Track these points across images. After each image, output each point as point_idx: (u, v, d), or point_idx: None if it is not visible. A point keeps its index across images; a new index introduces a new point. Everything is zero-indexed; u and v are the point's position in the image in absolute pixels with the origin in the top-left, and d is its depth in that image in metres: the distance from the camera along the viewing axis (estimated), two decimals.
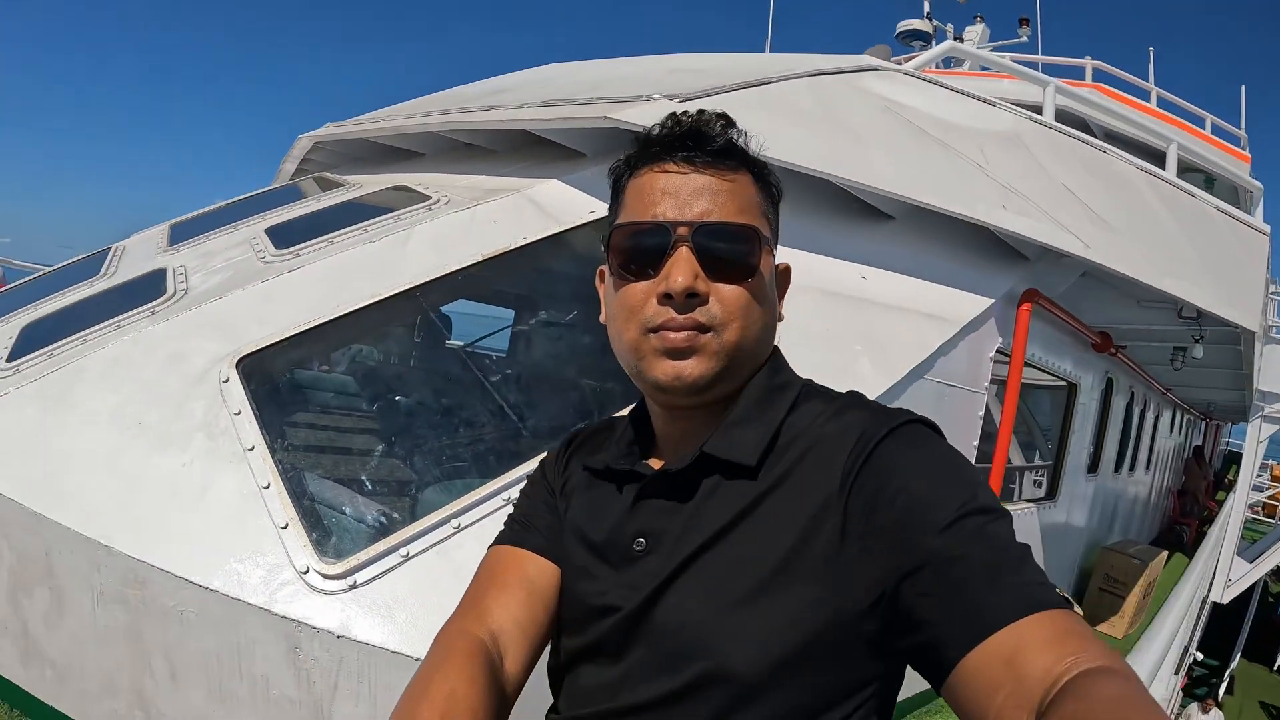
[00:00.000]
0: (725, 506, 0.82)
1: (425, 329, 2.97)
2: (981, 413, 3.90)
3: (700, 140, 0.86)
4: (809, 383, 0.94)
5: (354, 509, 2.36)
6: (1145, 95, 8.85)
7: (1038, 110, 5.11)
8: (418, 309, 2.92)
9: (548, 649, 0.96)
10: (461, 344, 4.17)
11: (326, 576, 2.06)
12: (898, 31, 11.50)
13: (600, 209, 3.41)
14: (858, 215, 3.82)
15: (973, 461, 3.95)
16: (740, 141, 0.90)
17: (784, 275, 0.96)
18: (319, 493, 2.37)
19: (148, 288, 3.40)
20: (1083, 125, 7.37)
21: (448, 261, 3.06)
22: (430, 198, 3.60)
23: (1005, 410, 4.04)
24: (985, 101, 4.56)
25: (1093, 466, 6.54)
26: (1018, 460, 5.97)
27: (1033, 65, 9.60)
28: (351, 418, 2.69)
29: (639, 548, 0.86)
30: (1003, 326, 3.97)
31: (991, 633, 0.65)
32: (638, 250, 0.86)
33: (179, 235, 4.30)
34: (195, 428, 2.45)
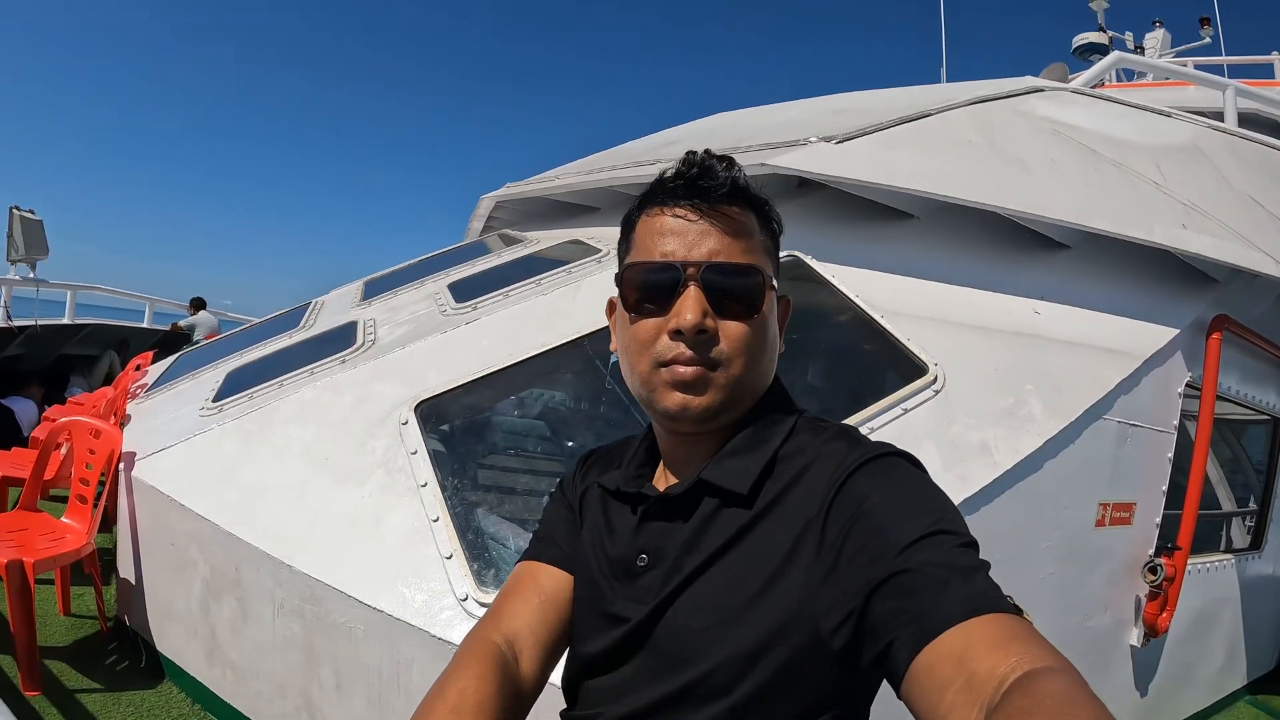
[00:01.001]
0: (720, 529, 0.89)
1: (590, 375, 3.12)
2: (1171, 454, 3.58)
3: (705, 186, 0.92)
4: (805, 413, 0.99)
5: (514, 543, 2.51)
6: None
7: (1220, 116, 4.73)
8: (584, 356, 3.07)
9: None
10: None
11: (482, 604, 2.19)
12: (1074, 47, 11.10)
13: None
14: (1029, 246, 3.65)
15: (1163, 508, 3.66)
16: (743, 181, 0.95)
17: (785, 307, 1.02)
18: (483, 527, 2.54)
19: (340, 338, 3.75)
20: (1276, 128, 6.72)
21: None
22: (601, 250, 3.77)
23: (1196, 451, 3.68)
24: (1159, 113, 4.27)
25: None
26: (1229, 506, 5.41)
27: (1217, 68, 8.88)
28: (519, 459, 2.86)
29: (641, 564, 0.94)
30: (1191, 358, 3.64)
31: (940, 633, 0.67)
32: (649, 287, 0.92)
33: (372, 291, 4.76)
34: (375, 464, 2.67)
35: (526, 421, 3.08)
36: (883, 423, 2.68)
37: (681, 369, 0.90)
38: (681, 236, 0.92)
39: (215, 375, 3.97)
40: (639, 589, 0.93)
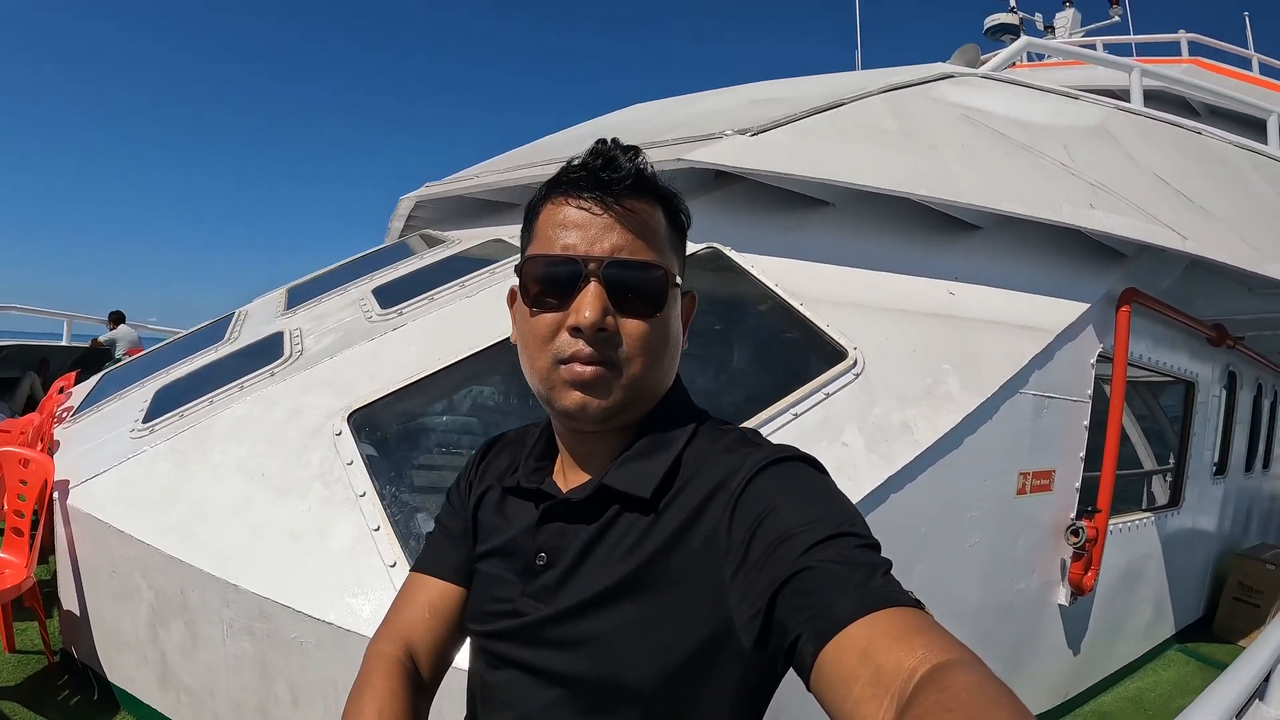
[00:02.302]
0: (622, 534, 0.88)
1: (519, 375, 3.14)
2: (1086, 421, 3.75)
3: (608, 178, 0.89)
4: (705, 415, 0.98)
5: None
6: (1246, 64, 8.33)
7: (1147, 94, 4.92)
8: (513, 357, 3.08)
9: (464, 655, 1.06)
10: None
11: None
12: (986, 28, 11.26)
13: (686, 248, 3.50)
14: (942, 229, 3.77)
15: (1082, 472, 3.83)
16: (649, 173, 0.92)
17: (689, 303, 1.00)
18: (424, 533, 2.53)
19: (267, 350, 3.71)
20: (1183, 103, 7.02)
21: None
22: None
23: (1111, 417, 3.87)
24: (1068, 96, 4.43)
25: (1220, 468, 6.14)
26: (1150, 466, 5.69)
27: (1125, 46, 9.22)
28: (454, 463, 2.87)
29: (540, 562, 0.92)
30: (1102, 330, 3.82)
31: (843, 627, 0.67)
32: (549, 281, 0.89)
33: (295, 298, 4.68)
34: (313, 477, 2.67)
35: (460, 423, 3.09)
36: (806, 407, 2.76)
37: (580, 368, 0.87)
38: (583, 230, 0.89)
39: (143, 394, 3.89)
40: (538, 587, 0.92)
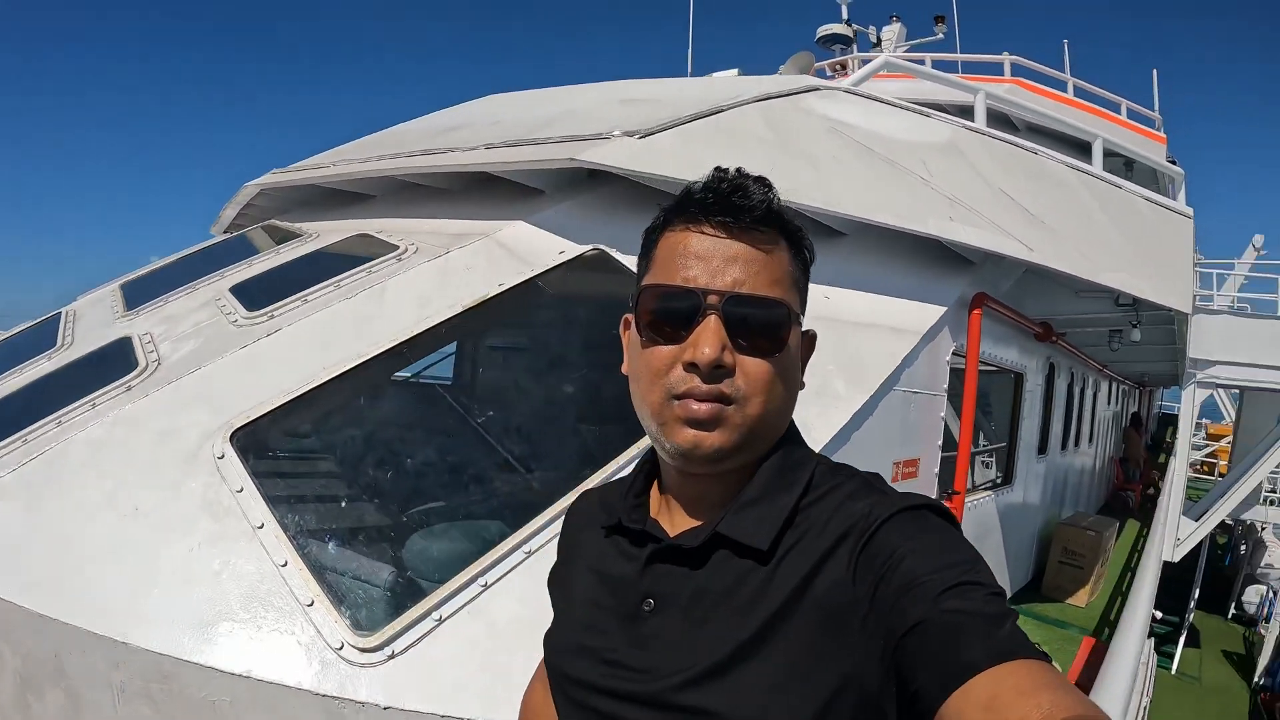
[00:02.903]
0: (736, 585, 0.85)
1: (414, 383, 3.00)
2: (943, 413, 4.09)
3: (739, 204, 0.86)
4: (822, 460, 0.95)
5: (378, 577, 2.37)
6: (1062, 86, 9.26)
7: (965, 109, 5.35)
8: (408, 364, 2.96)
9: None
10: (407, 375, 4.13)
11: (364, 650, 2.06)
12: (818, 36, 11.67)
13: (569, 249, 3.47)
14: (812, 235, 3.95)
15: (939, 456, 4.16)
16: (777, 205, 0.90)
17: (810, 342, 0.98)
18: (340, 564, 2.37)
19: (116, 360, 3.31)
20: (1006, 120, 7.70)
21: (429, 314, 3.10)
22: (398, 247, 3.61)
23: (965, 410, 4.24)
24: (920, 113, 4.76)
25: (1042, 448, 6.88)
26: (975, 450, 6.26)
27: (951, 64, 9.98)
28: (359, 484, 2.68)
29: (648, 608, 0.89)
30: (955, 330, 4.16)
31: (968, 678, 0.67)
32: (666, 313, 0.86)
33: (135, 298, 4.16)
34: (197, 509, 2.40)
35: (361, 438, 2.91)
36: None
37: (695, 405, 0.84)
38: (706, 261, 0.86)
39: None
40: (642, 636, 0.88)
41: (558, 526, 2.32)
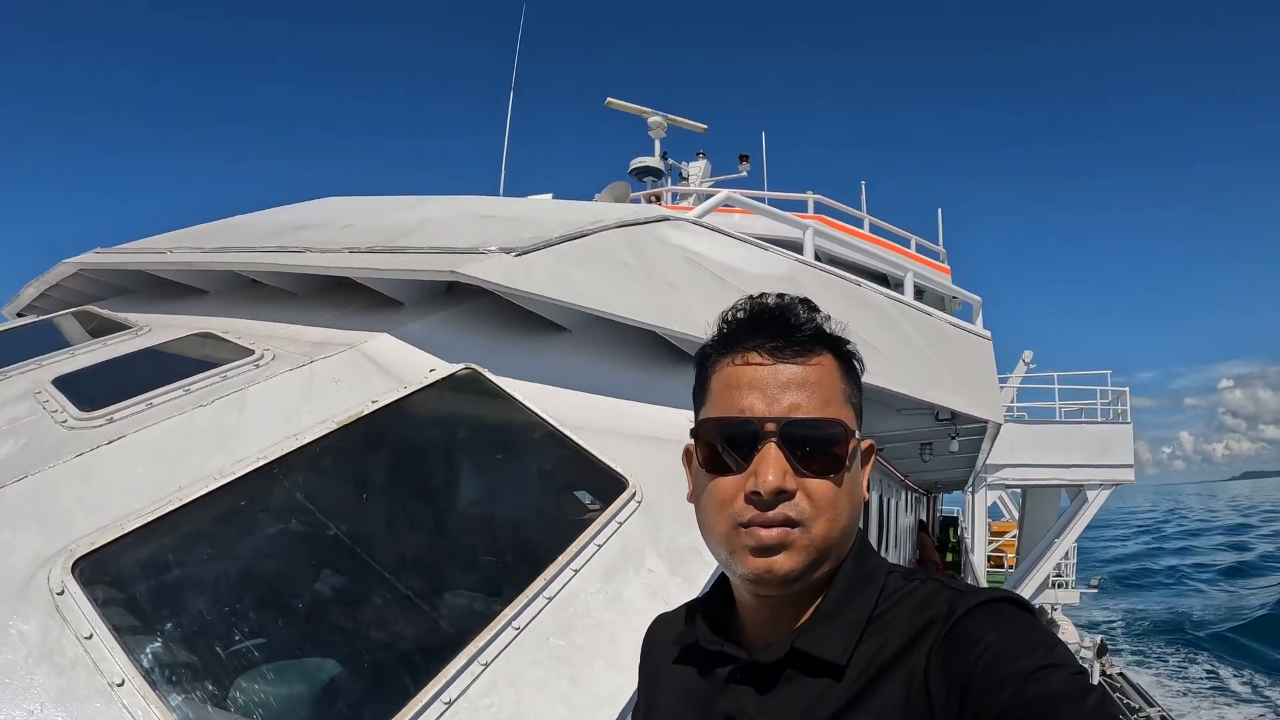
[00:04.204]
0: (816, 699, 0.87)
1: (291, 508, 2.72)
2: None
3: (786, 329, 0.91)
4: (895, 568, 0.98)
5: None
6: (859, 223, 10.41)
7: (774, 242, 5.88)
8: (280, 487, 2.70)
9: None
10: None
11: None
12: (631, 168, 12.31)
13: (440, 367, 3.39)
14: (668, 358, 4.06)
15: None
16: (825, 326, 0.95)
17: (868, 453, 1.00)
18: None
19: None
20: (816, 256, 8.52)
21: (298, 429, 2.88)
22: (253, 351, 3.37)
23: None
24: (761, 246, 5.19)
25: None
26: None
27: (759, 198, 10.96)
28: (238, 628, 2.33)
29: None
30: None
31: None
32: (726, 444, 0.90)
33: None
34: (33, 660, 1.94)
35: (235, 573, 2.58)
36: (605, 538, 2.80)
37: (763, 532, 0.86)
38: (761, 390, 0.89)
39: None
40: None
41: (473, 671, 2.18)
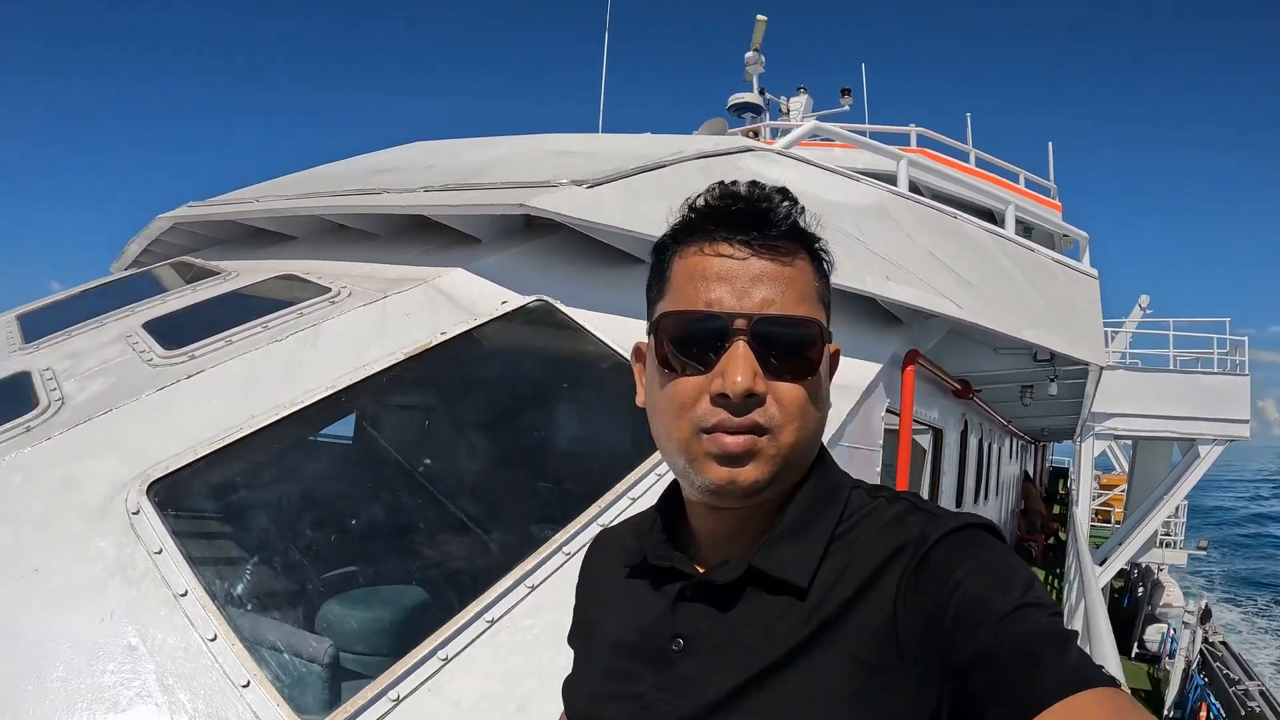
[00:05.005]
0: (774, 619, 0.80)
1: (359, 436, 2.78)
2: (879, 468, 4.14)
3: (761, 219, 0.81)
4: (858, 484, 0.91)
5: (324, 654, 2.12)
6: (964, 156, 9.82)
7: (876, 177, 5.57)
8: (345, 414, 2.75)
9: None
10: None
11: None
12: (730, 104, 12.01)
13: (511, 299, 3.36)
14: None
15: None
16: (801, 220, 0.85)
17: (835, 359, 0.91)
18: (279, 639, 2.11)
19: (12, 397, 2.97)
20: (916, 190, 8.12)
21: (367, 361, 2.92)
22: (330, 289, 3.42)
23: (900, 464, 4.31)
24: (850, 177, 4.92)
25: (958, 501, 7.10)
26: None
27: (861, 133, 10.49)
28: (299, 547, 2.43)
29: (677, 648, 0.84)
30: (889, 387, 4.25)
31: (1042, 709, 0.64)
32: (690, 341, 0.81)
33: (33, 330, 3.83)
34: (108, 573, 2.10)
35: (299, 495, 2.66)
36: (666, 469, 2.75)
37: (727, 438, 0.78)
38: (730, 282, 0.80)
39: None
40: (675, 678, 0.83)
41: (518, 594, 2.19)
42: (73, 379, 3.11)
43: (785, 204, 0.84)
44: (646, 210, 3.65)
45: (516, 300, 3.37)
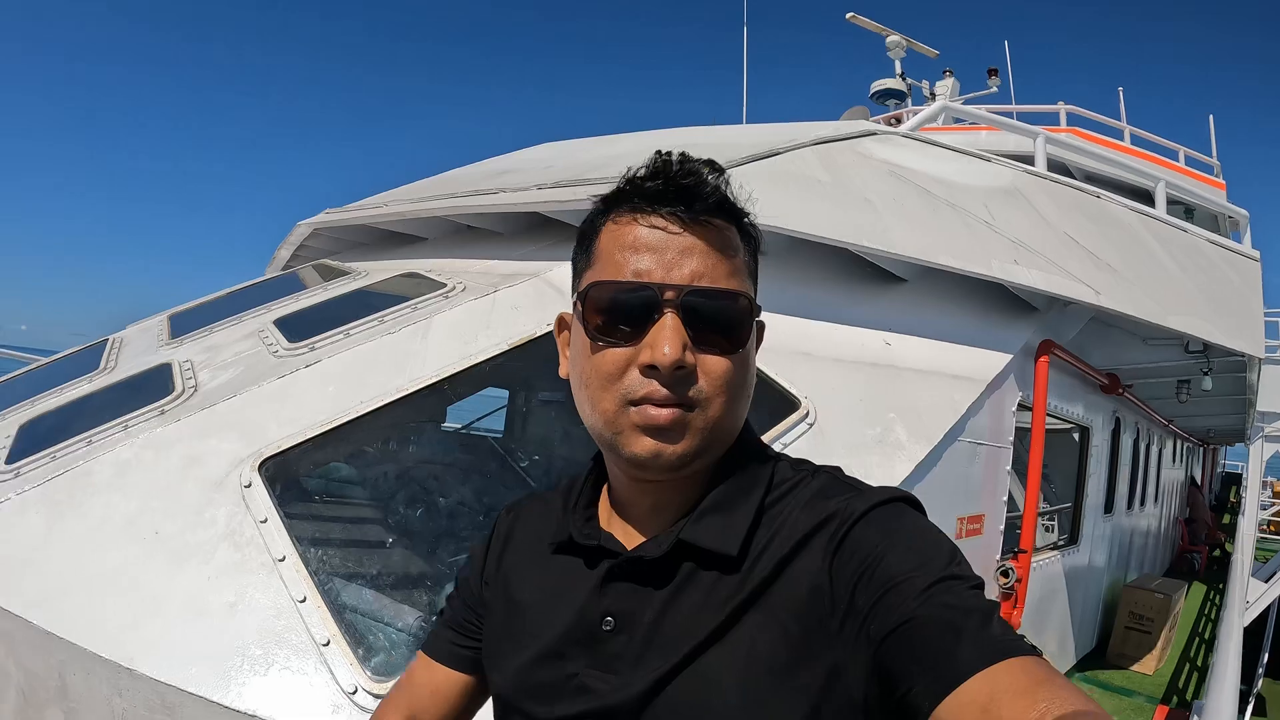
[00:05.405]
0: (704, 593, 0.80)
1: (456, 421, 2.88)
2: (1009, 467, 3.87)
3: (692, 192, 0.81)
4: (781, 457, 0.91)
5: (401, 620, 2.25)
6: (1118, 134, 9.07)
7: (1020, 159, 5.19)
8: (446, 402, 2.84)
9: None
10: (459, 426, 4.04)
11: (375, 696, 1.94)
12: (872, 91, 11.71)
13: None
14: (870, 280, 3.82)
15: (1004, 513, 3.92)
16: (729, 192, 0.85)
17: (760, 332, 0.90)
18: (362, 605, 2.26)
19: (154, 384, 3.29)
20: (1065, 170, 7.55)
21: (472, 351, 3.01)
22: (446, 285, 3.55)
23: (1031, 463, 4.01)
24: (980, 157, 4.62)
25: (1108, 507, 6.55)
26: (1046, 506, 5.97)
27: (1006, 115, 9.87)
28: (388, 521, 2.56)
29: (608, 627, 0.83)
30: (1021, 379, 3.95)
31: (963, 680, 0.64)
32: (618, 312, 0.80)
33: (180, 327, 4.21)
34: (218, 537, 2.33)
35: (394, 476, 2.79)
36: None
37: (655, 410, 0.78)
38: (658, 253, 0.79)
39: (4, 429, 3.39)
40: (607, 657, 0.82)
41: None
42: (207, 369, 3.38)
43: (713, 176, 0.83)
44: (753, 198, 3.56)
45: None
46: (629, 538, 0.87)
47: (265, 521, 2.34)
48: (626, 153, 4.63)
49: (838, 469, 0.88)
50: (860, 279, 3.82)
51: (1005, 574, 3.78)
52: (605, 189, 3.06)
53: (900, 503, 0.81)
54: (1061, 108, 8.96)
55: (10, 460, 2.92)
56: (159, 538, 2.35)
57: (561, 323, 0.91)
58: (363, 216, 5.04)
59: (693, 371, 0.78)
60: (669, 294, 0.78)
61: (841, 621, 0.74)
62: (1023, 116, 9.60)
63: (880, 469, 2.81)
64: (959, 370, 3.51)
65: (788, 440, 2.77)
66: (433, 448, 2.85)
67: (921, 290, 3.83)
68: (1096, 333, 4.89)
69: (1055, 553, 5.21)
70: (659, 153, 0.84)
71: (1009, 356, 3.74)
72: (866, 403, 3.11)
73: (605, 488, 0.93)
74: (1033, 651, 0.67)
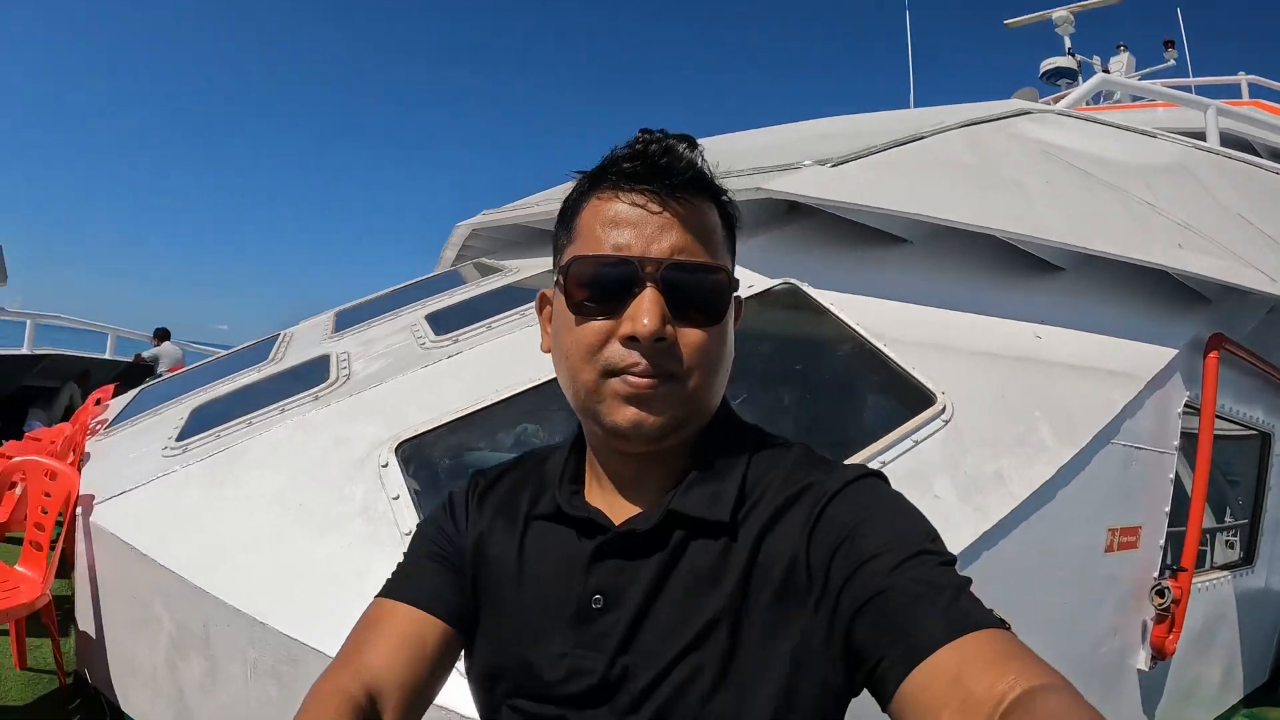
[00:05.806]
0: (694, 567, 0.81)
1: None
2: (1173, 475, 3.53)
3: (668, 168, 0.82)
4: (757, 429, 0.93)
5: None
6: None
7: (1199, 136, 4.73)
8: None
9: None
10: None
11: None
12: (1042, 71, 11.24)
13: (758, 283, 3.32)
14: (1023, 269, 3.60)
15: (1167, 527, 3.59)
16: (706, 168, 0.86)
17: (739, 310, 0.91)
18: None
19: (312, 373, 3.59)
20: (1246, 146, 6.83)
21: None
22: None
23: (1198, 471, 3.64)
24: (1144, 134, 4.26)
25: None
26: (1215, 522, 5.41)
27: (1185, 89, 9.04)
28: None
29: (597, 605, 0.83)
30: (1188, 378, 3.60)
31: (932, 652, 0.65)
32: (600, 285, 0.81)
33: (344, 322, 4.60)
34: (355, 511, 2.52)
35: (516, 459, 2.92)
36: (894, 456, 2.59)
37: (635, 380, 0.79)
38: (638, 228, 0.81)
39: (179, 411, 3.77)
40: (595, 635, 0.82)
41: None
42: (362, 359, 3.64)
43: (689, 152, 0.84)
44: (895, 185, 3.45)
45: (763, 283, 3.35)
46: (614, 512, 0.87)
47: (397, 498, 2.51)
48: (775, 144, 4.70)
49: (806, 444, 0.90)
50: (1009, 268, 3.60)
51: (1160, 594, 3.44)
52: (737, 180, 3.05)
53: (873, 478, 0.83)
54: (1243, 78, 8.13)
55: (180, 438, 3.26)
56: (302, 510, 2.57)
57: (543, 299, 0.93)
58: (515, 216, 5.28)
59: (673, 344, 0.80)
60: (649, 268, 0.80)
61: (819, 597, 0.76)
62: (1200, 90, 8.78)
63: (1018, 471, 2.64)
64: (1116, 366, 3.25)
65: (920, 437, 2.65)
66: (561, 435, 2.92)
67: (1080, 280, 3.58)
68: (1278, 326, 4.40)
69: (1226, 573, 4.71)
70: (642, 131, 0.85)
71: (1173, 352, 3.42)
72: (1010, 399, 2.93)
73: (587, 465, 0.93)
74: (1001, 624, 0.68)
